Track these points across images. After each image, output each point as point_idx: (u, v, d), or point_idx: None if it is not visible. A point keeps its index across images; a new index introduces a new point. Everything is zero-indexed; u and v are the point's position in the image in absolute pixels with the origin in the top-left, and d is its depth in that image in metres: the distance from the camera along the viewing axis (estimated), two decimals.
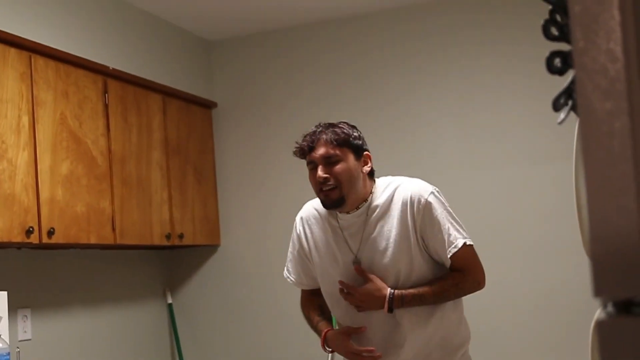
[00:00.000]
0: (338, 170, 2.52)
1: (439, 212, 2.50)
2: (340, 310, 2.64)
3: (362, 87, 4.48)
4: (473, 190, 4.16)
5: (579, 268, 3.79)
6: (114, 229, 3.83)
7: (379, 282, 2.52)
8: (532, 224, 4.05)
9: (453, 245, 2.49)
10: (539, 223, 4.03)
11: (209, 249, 4.83)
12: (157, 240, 4.18)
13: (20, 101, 3.33)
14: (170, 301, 4.79)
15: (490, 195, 4.14)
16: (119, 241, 3.86)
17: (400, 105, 4.37)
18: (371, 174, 2.62)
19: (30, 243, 3.34)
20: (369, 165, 2.60)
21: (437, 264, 2.56)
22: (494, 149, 4.14)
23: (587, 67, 0.86)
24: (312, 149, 2.55)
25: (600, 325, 0.92)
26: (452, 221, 2.52)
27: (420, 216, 2.50)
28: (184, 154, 4.50)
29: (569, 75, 1.15)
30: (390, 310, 2.49)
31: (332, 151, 2.53)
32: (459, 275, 2.53)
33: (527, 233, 4.06)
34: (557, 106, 1.18)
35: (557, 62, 1.15)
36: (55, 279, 3.94)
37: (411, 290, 2.50)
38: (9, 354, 2.68)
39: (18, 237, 3.25)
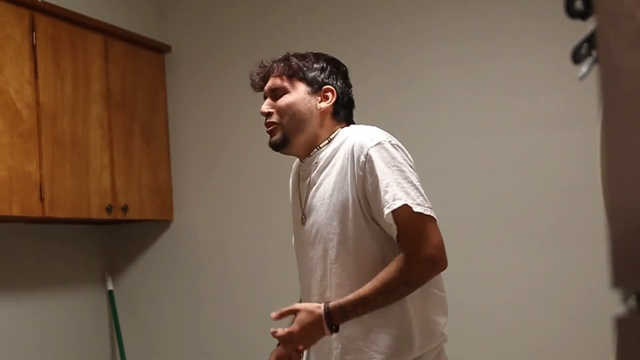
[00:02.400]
0: (280, 103, 2.58)
1: (381, 166, 2.39)
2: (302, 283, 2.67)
3: (347, 27, 4.45)
4: (480, 158, 4.16)
5: (604, 255, 3.81)
6: (42, 199, 3.82)
7: (307, 305, 2.45)
8: (549, 201, 4.06)
9: (387, 206, 2.36)
10: (558, 200, 4.04)
11: (159, 224, 4.83)
12: (96, 213, 4.18)
13: None
14: (110, 287, 4.80)
15: (501, 165, 4.14)
16: (48, 214, 3.85)
17: (395, 50, 4.35)
18: (336, 115, 2.59)
19: None
20: (329, 101, 2.57)
21: (388, 238, 2.46)
22: (506, 108, 4.14)
23: (610, 11, 0.86)
24: (264, 80, 2.62)
25: (619, 323, 0.92)
26: (401, 180, 2.39)
27: (360, 170, 2.43)
28: (129, 109, 4.48)
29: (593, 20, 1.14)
30: (335, 329, 2.42)
31: (279, 82, 2.58)
32: (402, 258, 2.38)
33: (543, 212, 4.06)
34: (577, 58, 1.18)
35: (579, 3, 1.15)
36: None
37: (350, 297, 2.40)
38: None
39: None
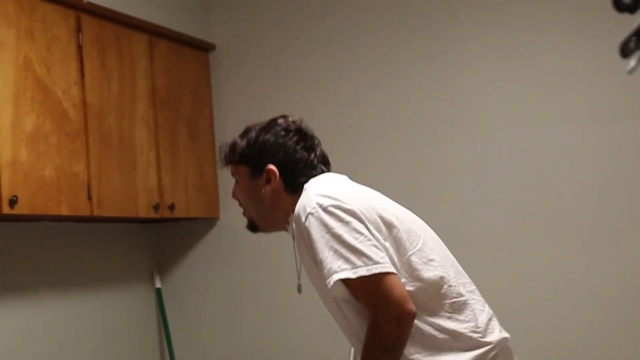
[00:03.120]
0: (236, 193, 2.62)
1: (315, 238, 2.32)
2: None
3: (387, 19, 4.42)
4: (519, 152, 4.12)
5: None
6: (90, 198, 3.84)
7: None
8: (590, 197, 4.01)
9: (327, 281, 2.29)
10: (599, 195, 3.99)
11: (206, 222, 4.84)
12: (143, 211, 4.19)
13: None
14: (158, 285, 4.82)
15: (540, 159, 4.09)
16: (96, 212, 3.87)
17: (431, 42, 4.32)
18: (289, 187, 2.52)
19: None
20: (272, 181, 2.51)
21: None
22: (547, 101, 4.09)
23: None
24: (222, 167, 2.65)
25: None
26: (336, 246, 2.29)
27: (304, 244, 2.39)
28: (175, 107, 4.49)
29: None
30: None
31: (232, 170, 2.61)
32: (369, 328, 2.30)
33: (584, 207, 4.01)
34: (625, 51, 1.16)
35: None
36: (20, 258, 3.97)
37: None
38: None
39: None
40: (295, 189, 2.51)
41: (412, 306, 2.28)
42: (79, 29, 3.86)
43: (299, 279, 2.61)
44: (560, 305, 4.02)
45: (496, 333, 2.48)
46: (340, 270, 2.28)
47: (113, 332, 4.49)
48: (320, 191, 2.40)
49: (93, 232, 4.41)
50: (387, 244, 2.38)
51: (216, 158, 4.76)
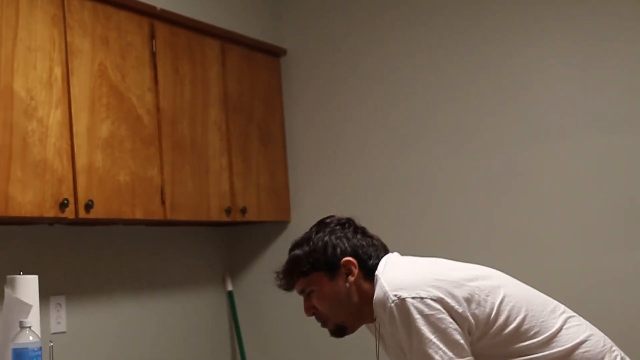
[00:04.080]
0: (316, 303, 2.56)
1: (400, 328, 2.37)
2: None
3: (460, 22, 4.39)
4: (599, 159, 4.06)
5: None
6: (163, 202, 3.87)
7: None
8: None
9: None
10: None
11: (277, 226, 4.85)
12: (215, 215, 4.22)
13: (51, 50, 3.38)
14: (230, 288, 4.84)
15: (621, 164, 4.04)
16: (169, 216, 3.90)
17: (501, 45, 4.28)
18: (367, 274, 2.52)
19: (65, 218, 3.40)
20: (354, 272, 2.52)
21: None
22: (624, 105, 4.03)
23: None
24: (287, 289, 2.62)
25: None
26: (417, 341, 2.34)
27: (389, 329, 2.43)
28: (246, 112, 4.51)
29: None
30: None
31: (301, 286, 2.57)
32: None
33: None
34: None
35: None
36: (95, 260, 4.02)
37: None
38: (40, 348, 2.73)
39: (51, 212, 3.31)
40: (371, 273, 2.52)
41: None
42: (152, 36, 3.90)
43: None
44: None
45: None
46: None
47: (185, 334, 4.52)
48: (395, 281, 2.41)
49: (166, 235, 4.44)
50: (470, 318, 2.39)
51: (287, 162, 4.79)
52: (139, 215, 3.73)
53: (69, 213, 3.36)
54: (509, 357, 2.40)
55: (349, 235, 2.58)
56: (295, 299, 4.71)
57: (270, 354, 4.84)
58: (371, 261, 2.54)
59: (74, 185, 3.40)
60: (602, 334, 2.55)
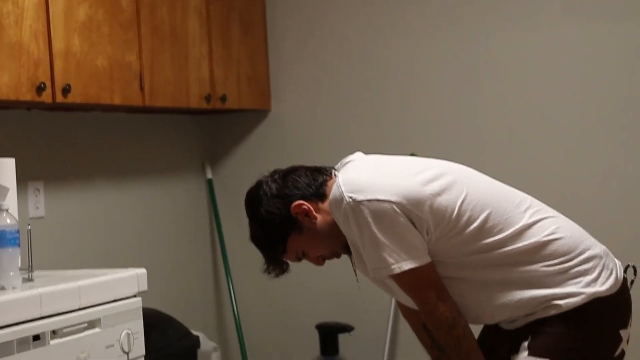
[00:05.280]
0: (314, 255, 2.58)
1: (354, 228, 2.39)
2: None
3: None
4: (586, 49, 4.03)
5: None
6: (142, 88, 3.83)
7: None
8: None
9: (370, 274, 2.46)
10: None
11: (257, 114, 4.82)
12: (195, 102, 4.18)
13: None
14: (209, 176, 4.84)
15: (613, 57, 4.01)
16: (148, 102, 3.86)
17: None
18: (320, 196, 2.53)
19: (43, 102, 3.35)
20: (310, 210, 2.51)
21: None
22: None
23: None
24: (286, 269, 2.65)
25: None
26: (370, 243, 2.38)
27: (344, 225, 2.45)
28: None
29: None
30: None
31: (290, 258, 2.59)
32: (423, 315, 2.50)
33: None
34: None
35: None
36: (73, 146, 3.99)
37: None
38: (18, 231, 2.71)
39: (27, 95, 3.25)
40: (323, 194, 2.52)
41: (444, 287, 2.40)
42: None
43: (354, 269, 2.62)
44: None
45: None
46: (377, 267, 2.38)
47: (164, 222, 4.53)
48: (352, 183, 2.41)
49: (146, 123, 4.41)
50: (429, 220, 2.38)
51: (268, 50, 4.73)
52: (117, 101, 3.69)
53: (46, 97, 3.31)
54: (473, 254, 2.41)
55: (276, 188, 2.57)
56: None
57: (249, 241, 4.85)
58: (312, 189, 2.53)
59: (51, 69, 3.34)
60: (575, 225, 2.53)
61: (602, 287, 2.39)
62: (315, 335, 4.52)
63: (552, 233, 2.43)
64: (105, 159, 4.16)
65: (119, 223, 4.22)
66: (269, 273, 2.64)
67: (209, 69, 4.27)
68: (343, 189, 2.40)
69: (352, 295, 4.32)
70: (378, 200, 2.34)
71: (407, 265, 2.34)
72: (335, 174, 2.54)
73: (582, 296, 2.37)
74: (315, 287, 4.69)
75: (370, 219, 2.34)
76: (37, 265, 3.04)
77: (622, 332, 2.42)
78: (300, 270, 4.69)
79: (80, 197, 4.01)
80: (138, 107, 3.95)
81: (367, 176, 2.45)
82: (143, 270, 3.08)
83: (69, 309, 2.74)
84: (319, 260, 2.59)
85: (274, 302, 4.83)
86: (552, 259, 2.40)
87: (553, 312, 2.37)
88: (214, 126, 4.89)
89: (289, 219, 2.52)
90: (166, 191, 4.55)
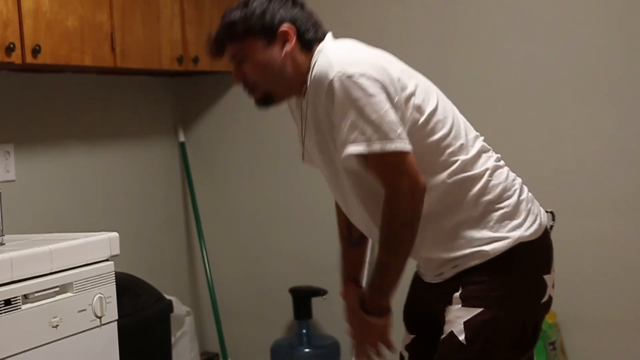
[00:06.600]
0: (246, 70, 2.44)
1: (337, 106, 2.28)
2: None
3: None
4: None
5: None
6: (113, 49, 3.78)
7: (348, 308, 2.64)
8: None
9: (342, 152, 2.30)
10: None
11: (229, 76, 4.67)
12: (167, 64, 4.14)
13: None
14: (182, 139, 4.80)
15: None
16: (119, 64, 3.81)
17: None
18: (304, 46, 2.44)
19: (12, 63, 3.30)
20: (291, 41, 2.41)
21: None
22: None
23: None
24: (220, 52, 2.48)
25: None
26: (355, 119, 2.26)
27: (323, 108, 2.35)
28: None
29: None
30: (385, 311, 2.44)
31: (234, 50, 2.44)
32: (385, 203, 2.32)
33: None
34: None
35: None
36: (44, 109, 3.94)
37: (373, 272, 2.39)
38: None
39: None
40: (309, 47, 2.44)
41: (423, 180, 2.30)
42: None
43: (303, 145, 2.56)
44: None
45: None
46: (355, 142, 2.27)
47: (136, 185, 4.50)
48: (342, 57, 2.34)
49: (117, 84, 4.36)
50: (408, 111, 2.35)
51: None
52: (88, 62, 3.64)
53: (15, 58, 3.26)
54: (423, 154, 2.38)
55: (289, 5, 2.46)
56: (246, 150, 4.71)
57: (221, 204, 4.84)
58: (309, 35, 2.45)
59: (20, 29, 3.29)
60: (512, 173, 2.54)
61: (527, 231, 2.42)
62: (288, 299, 4.52)
63: (492, 170, 2.45)
64: (76, 122, 4.12)
65: (90, 186, 4.18)
66: (208, 45, 2.49)
67: (181, 30, 4.22)
68: (333, 61, 2.32)
69: (325, 259, 4.32)
70: (370, 77, 2.28)
71: (393, 145, 2.26)
72: (319, 48, 2.44)
73: (508, 240, 2.39)
74: (288, 251, 4.69)
75: (358, 94, 2.26)
76: (8, 229, 3.01)
77: (547, 278, 2.45)
78: (273, 234, 4.72)
79: (51, 160, 3.96)
80: (109, 69, 3.90)
81: (356, 53, 2.40)
82: (115, 234, 3.06)
83: (41, 273, 2.73)
84: (240, 77, 2.48)
85: (247, 266, 4.82)
86: (486, 196, 2.42)
87: (478, 260, 2.39)
88: (186, 88, 4.85)
89: (272, 28, 2.42)
90: (138, 154, 4.51)
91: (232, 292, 4.84)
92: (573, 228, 3.87)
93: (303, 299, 4.49)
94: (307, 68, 2.41)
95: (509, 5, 4.06)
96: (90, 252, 2.94)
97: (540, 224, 2.46)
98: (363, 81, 2.27)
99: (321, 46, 2.43)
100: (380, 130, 2.25)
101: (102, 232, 3.04)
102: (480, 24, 4.13)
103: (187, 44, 4.26)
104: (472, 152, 2.44)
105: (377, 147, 2.26)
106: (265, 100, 2.50)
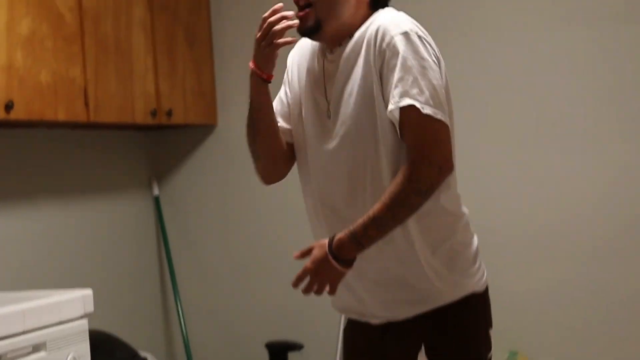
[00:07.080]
0: None
1: (402, 57, 2.23)
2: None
3: None
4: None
5: None
6: (87, 104, 3.76)
7: (317, 243, 2.32)
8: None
9: (393, 102, 2.22)
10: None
11: (203, 129, 4.77)
12: (140, 118, 4.13)
13: None
14: (156, 193, 4.78)
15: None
16: (93, 118, 3.80)
17: None
18: (373, 3, 2.39)
19: None
20: None
21: None
22: None
23: None
24: None
25: None
26: (418, 76, 2.22)
27: (380, 58, 2.27)
28: (172, 10, 4.39)
29: None
30: (348, 262, 2.27)
31: None
32: (408, 166, 2.23)
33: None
34: None
35: None
36: (17, 164, 3.92)
37: (359, 220, 2.25)
38: None
39: None
40: (375, 6, 2.39)
41: (454, 163, 2.29)
42: None
43: (328, 104, 2.43)
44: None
45: None
46: (414, 98, 2.21)
47: (111, 240, 4.47)
48: (412, 22, 2.33)
49: (90, 139, 4.34)
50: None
51: (214, 64, 4.68)
52: (61, 117, 3.63)
53: None
54: None
55: None
56: (221, 203, 4.68)
57: (196, 259, 4.81)
58: None
59: None
60: None
61: (484, 278, 2.47)
62: (265, 354, 4.47)
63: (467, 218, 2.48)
64: (49, 176, 4.09)
65: (64, 242, 4.14)
66: None
67: (155, 83, 4.23)
68: (401, 21, 2.30)
69: (302, 312, 4.30)
70: (436, 50, 2.31)
71: (444, 117, 2.25)
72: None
73: (483, 282, 2.45)
74: (263, 305, 4.65)
75: (426, 56, 2.25)
76: None
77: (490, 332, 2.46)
78: (248, 288, 4.69)
79: (24, 215, 3.93)
80: (83, 123, 3.89)
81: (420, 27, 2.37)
82: (89, 291, 3.03)
83: (14, 333, 2.68)
84: None
85: (222, 321, 4.78)
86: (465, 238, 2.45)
87: (455, 294, 2.39)
88: (160, 142, 4.83)
89: None
90: (112, 209, 4.49)
91: (207, 348, 4.79)
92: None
93: (279, 353, 4.44)
94: (361, 23, 2.37)
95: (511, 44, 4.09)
96: (63, 310, 2.91)
97: (485, 278, 2.48)
98: (430, 48, 2.29)
99: (380, 11, 2.39)
100: (436, 98, 2.24)
101: (75, 289, 3.01)
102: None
103: (161, 97, 4.26)
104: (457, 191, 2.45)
105: (430, 110, 2.22)
106: (314, 28, 2.39)
